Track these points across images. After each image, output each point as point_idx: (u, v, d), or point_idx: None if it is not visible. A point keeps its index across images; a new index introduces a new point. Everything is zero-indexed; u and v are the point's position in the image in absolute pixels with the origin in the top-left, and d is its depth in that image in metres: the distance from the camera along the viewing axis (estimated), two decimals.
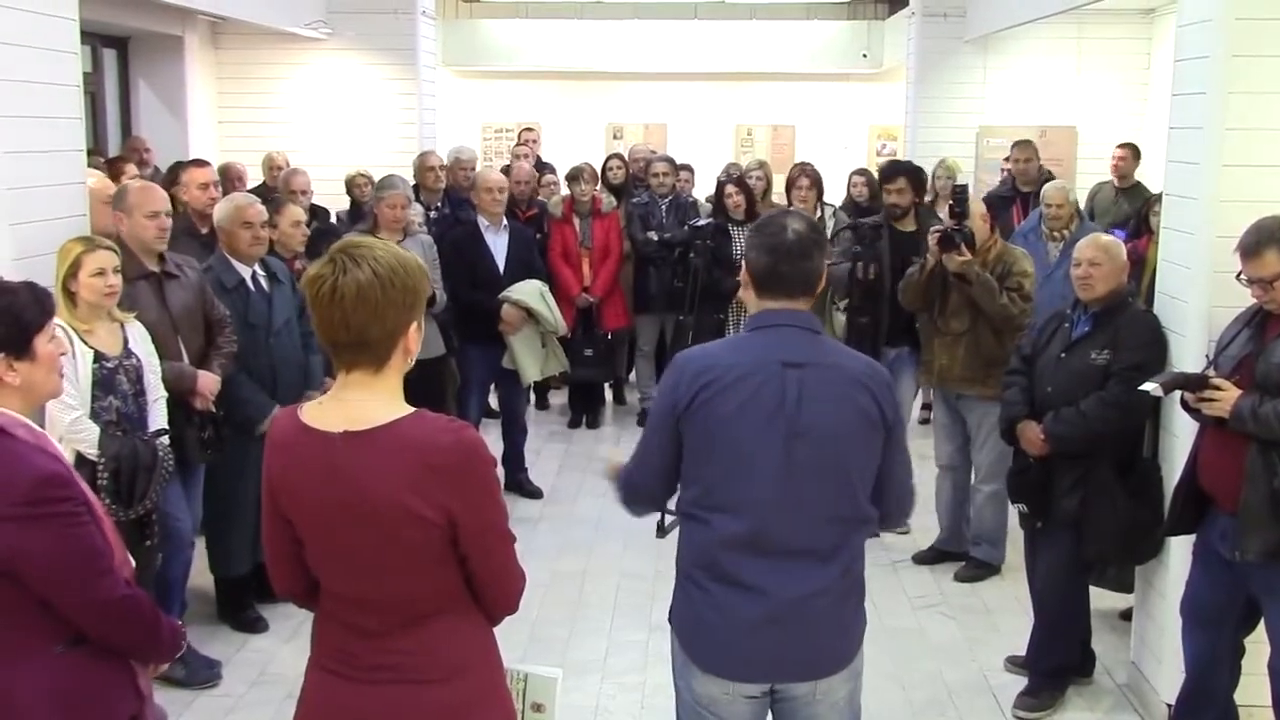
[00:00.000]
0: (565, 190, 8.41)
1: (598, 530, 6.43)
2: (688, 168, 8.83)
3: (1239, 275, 3.70)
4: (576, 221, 8.02)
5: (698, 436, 2.64)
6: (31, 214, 3.99)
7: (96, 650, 2.45)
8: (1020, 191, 8.20)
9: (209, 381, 4.61)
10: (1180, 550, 4.21)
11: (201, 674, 4.61)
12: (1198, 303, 4.17)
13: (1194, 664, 4.00)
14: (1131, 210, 8.36)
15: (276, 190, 7.56)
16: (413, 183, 7.40)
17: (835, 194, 8.76)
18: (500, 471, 6.84)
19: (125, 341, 4.21)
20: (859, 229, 6.39)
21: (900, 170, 6.55)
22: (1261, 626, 3.82)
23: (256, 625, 5.10)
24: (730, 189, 7.68)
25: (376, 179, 6.91)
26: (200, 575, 5.13)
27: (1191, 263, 4.22)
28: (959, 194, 5.62)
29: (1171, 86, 4.49)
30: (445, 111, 11.46)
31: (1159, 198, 5.16)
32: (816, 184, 7.51)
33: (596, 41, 13.64)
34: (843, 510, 2.67)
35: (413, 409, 2.25)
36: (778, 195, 8.59)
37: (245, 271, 5.04)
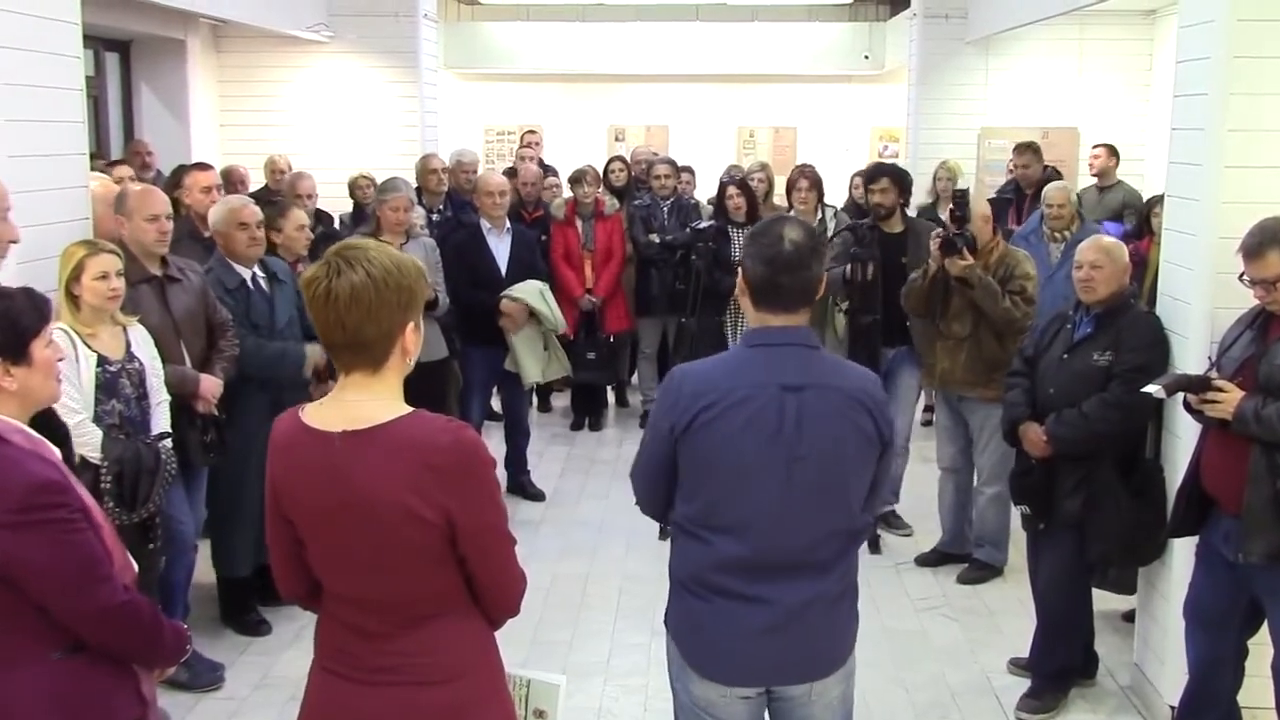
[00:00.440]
0: (567, 192, 8.43)
1: (600, 533, 6.43)
2: (689, 169, 8.84)
3: (1241, 276, 3.70)
4: (579, 224, 8.03)
5: (696, 458, 2.63)
6: (34, 217, 3.99)
7: (97, 656, 2.44)
8: (1024, 193, 8.19)
9: (211, 385, 4.61)
10: (1183, 552, 4.21)
11: (205, 677, 4.61)
12: (1200, 304, 4.17)
13: (1197, 666, 4.00)
14: (1114, 206, 8.37)
15: (278, 193, 7.57)
16: (415, 185, 7.40)
17: (838, 196, 8.77)
18: (502, 474, 6.93)
19: (128, 345, 4.22)
20: (856, 230, 6.39)
21: (883, 171, 6.60)
22: (1265, 628, 3.82)
23: (259, 628, 5.10)
24: (732, 190, 7.68)
25: (379, 181, 6.91)
26: (204, 578, 5.14)
27: (1193, 264, 4.22)
28: (959, 198, 5.62)
29: (1173, 88, 4.49)
30: (447, 114, 11.46)
31: (1160, 199, 5.15)
32: (816, 186, 7.51)
33: (598, 44, 13.64)
34: (840, 525, 2.68)
35: (411, 409, 2.26)
36: (779, 197, 8.60)
37: (245, 273, 5.05)
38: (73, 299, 4.04)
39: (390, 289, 2.18)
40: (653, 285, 8.12)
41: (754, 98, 14.21)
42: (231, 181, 7.79)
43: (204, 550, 5.04)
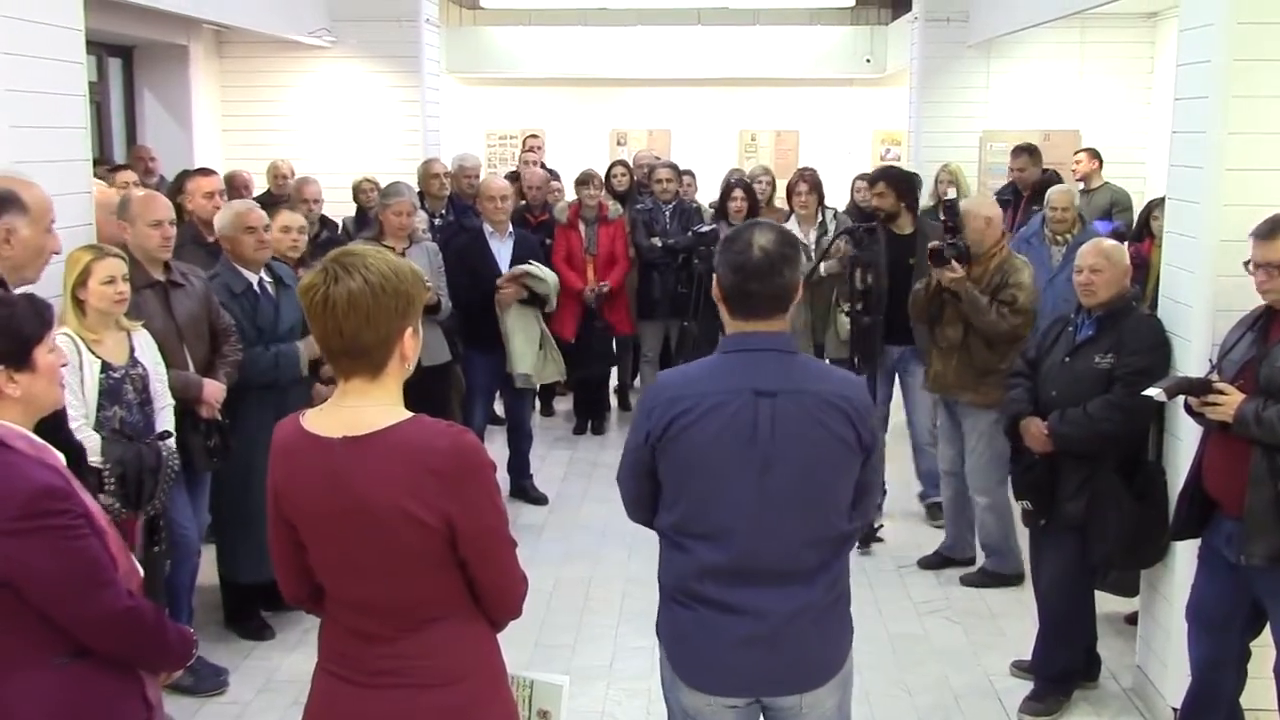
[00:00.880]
0: (570, 196, 8.44)
1: (603, 536, 6.44)
2: (690, 173, 8.85)
3: (1246, 263, 3.71)
4: (582, 227, 8.04)
5: (672, 465, 2.63)
6: None
7: (101, 661, 2.44)
8: (1022, 195, 8.17)
9: (215, 390, 4.63)
10: (1185, 554, 4.21)
11: (209, 681, 4.62)
12: (1201, 306, 4.17)
13: (1199, 668, 4.00)
14: (1102, 205, 8.38)
15: (281, 198, 7.58)
16: (417, 190, 7.41)
17: (840, 199, 8.78)
18: (505, 478, 6.93)
19: (131, 350, 4.23)
20: (854, 233, 6.43)
21: (881, 174, 6.67)
22: (1267, 630, 3.82)
23: (263, 633, 5.12)
24: (737, 193, 7.67)
25: (382, 186, 6.92)
26: (208, 583, 5.14)
27: (1194, 266, 4.23)
28: (949, 208, 5.65)
29: (1173, 91, 4.50)
30: (449, 118, 11.48)
31: (1161, 202, 5.16)
32: (816, 189, 7.53)
33: (600, 48, 13.65)
34: (820, 533, 2.64)
35: (411, 414, 2.27)
36: (780, 200, 8.60)
37: (252, 277, 5.06)
38: (78, 304, 4.05)
39: (388, 295, 2.19)
40: (655, 289, 8.13)
41: (755, 101, 14.22)
42: (235, 186, 7.80)
43: (208, 554, 5.06)
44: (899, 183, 6.55)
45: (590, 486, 7.31)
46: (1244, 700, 3.98)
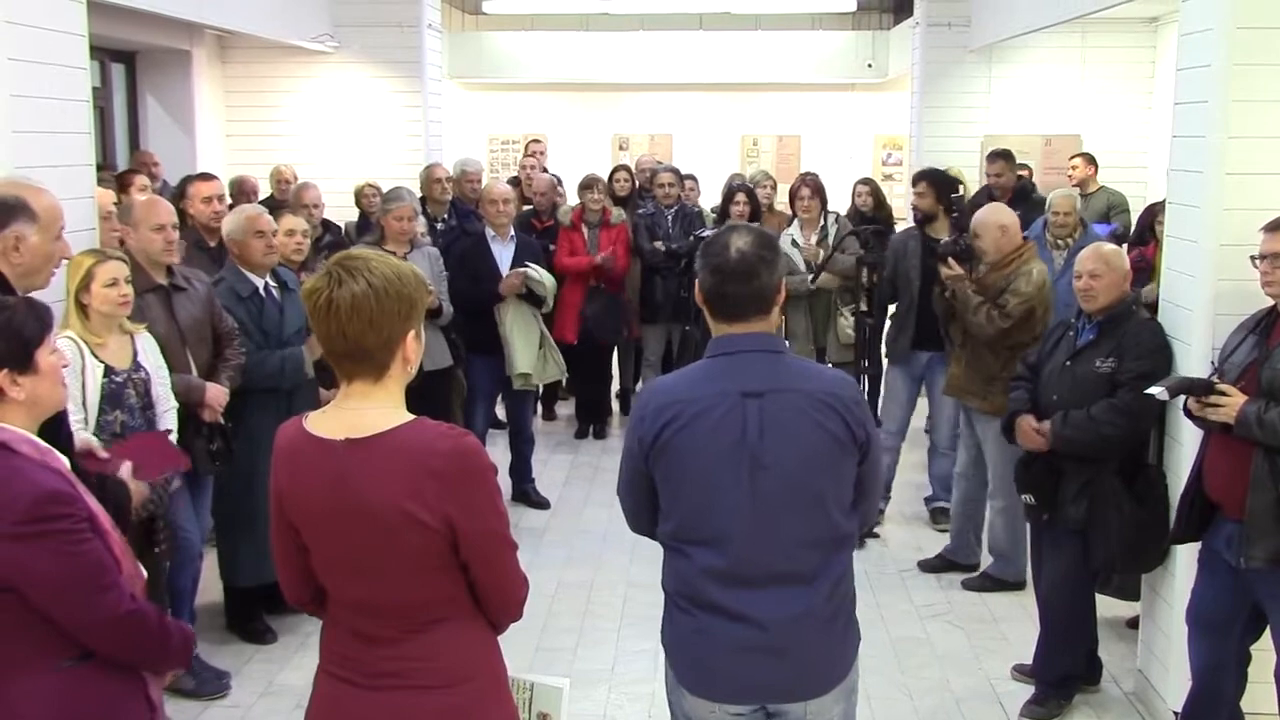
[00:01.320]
0: (572, 200, 8.46)
1: (605, 540, 6.44)
2: (693, 178, 8.85)
3: (1254, 258, 3.73)
4: (585, 231, 8.05)
5: (666, 473, 2.62)
6: None
7: (104, 664, 2.45)
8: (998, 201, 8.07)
9: (217, 393, 4.64)
10: (1186, 558, 4.22)
11: (211, 685, 4.63)
12: (1201, 310, 4.18)
13: (1200, 671, 4.00)
14: (1099, 209, 8.39)
15: (284, 203, 7.60)
16: (419, 194, 7.42)
17: (842, 203, 8.79)
18: (507, 482, 6.94)
19: (135, 354, 4.24)
20: (861, 235, 6.46)
21: (922, 175, 6.70)
22: (1268, 633, 3.83)
23: (265, 637, 5.12)
24: (739, 197, 7.67)
25: (384, 190, 6.94)
26: (210, 587, 5.15)
27: (1195, 270, 4.24)
28: (956, 204, 5.69)
29: (1174, 95, 4.51)
30: (451, 123, 11.49)
31: (1163, 204, 5.17)
32: (819, 193, 7.54)
33: (602, 53, 13.68)
34: (818, 534, 2.62)
35: (413, 416, 2.28)
36: (782, 205, 8.62)
37: (259, 281, 5.08)
38: (81, 308, 4.06)
39: (391, 298, 2.20)
40: (657, 293, 8.14)
41: (758, 106, 14.24)
42: (244, 191, 7.86)
43: (209, 558, 5.07)
44: (939, 184, 6.56)
45: (592, 491, 7.32)
46: (1245, 704, 3.98)
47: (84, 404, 4.02)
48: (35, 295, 3.01)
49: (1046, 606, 4.61)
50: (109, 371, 4.11)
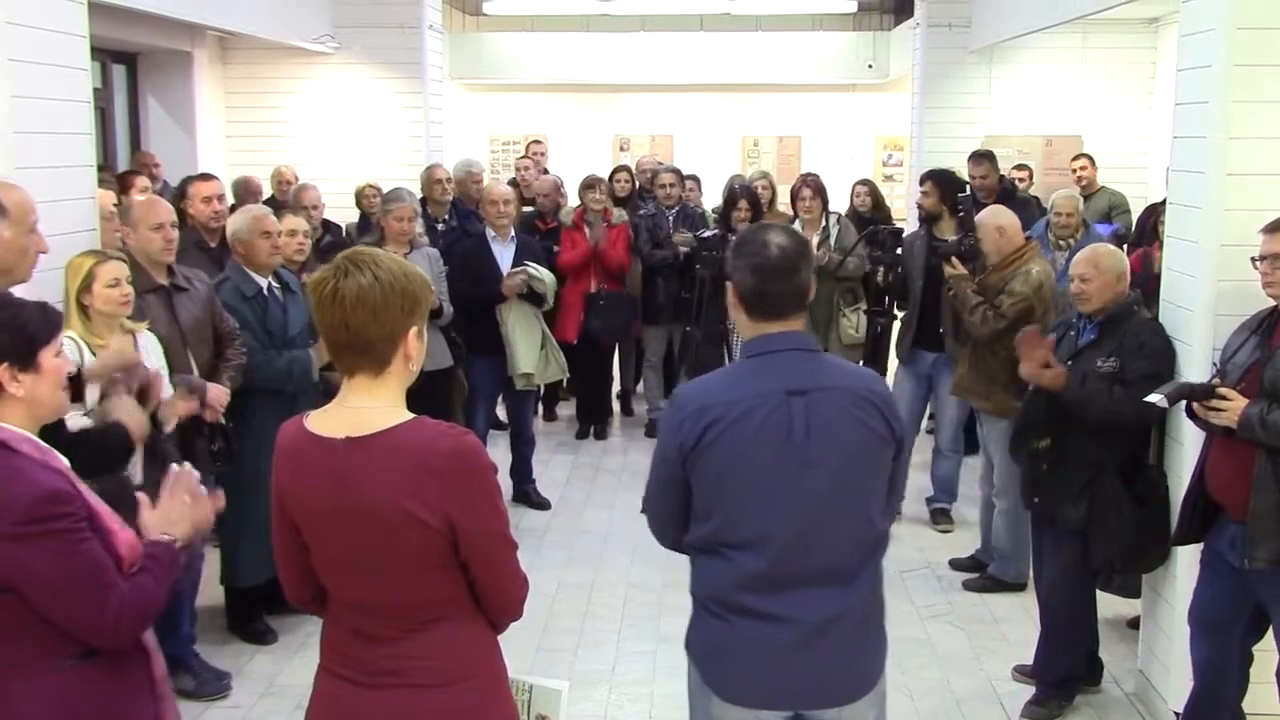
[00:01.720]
0: (574, 200, 8.47)
1: (605, 541, 6.44)
2: (694, 178, 8.85)
3: (1254, 259, 3.73)
4: (587, 231, 8.06)
5: (708, 475, 2.56)
6: (43, 229, 4.00)
7: (107, 661, 2.45)
8: (982, 204, 7.98)
9: (219, 394, 4.63)
10: (1187, 559, 4.22)
11: (211, 685, 4.63)
12: (1202, 311, 4.18)
13: (1201, 672, 4.00)
14: (1101, 209, 8.39)
15: (285, 204, 7.60)
16: (420, 195, 7.43)
17: (843, 204, 8.79)
18: (507, 482, 6.94)
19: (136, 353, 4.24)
20: (877, 235, 6.48)
21: (929, 175, 6.72)
22: (1270, 634, 3.82)
23: (265, 637, 5.12)
24: (742, 203, 7.64)
25: (385, 191, 6.94)
26: (210, 588, 5.15)
27: (1196, 271, 4.24)
28: (961, 203, 5.71)
29: (1174, 96, 4.51)
30: (452, 124, 11.50)
31: (1164, 204, 5.17)
32: (820, 194, 7.55)
33: (603, 53, 13.68)
34: (860, 534, 2.61)
35: (413, 415, 2.29)
36: (783, 205, 8.61)
37: (262, 281, 5.09)
38: (82, 309, 4.06)
39: (395, 293, 2.23)
40: (659, 294, 8.14)
41: (758, 107, 14.25)
42: (250, 191, 7.86)
43: (210, 559, 5.07)
44: (944, 184, 6.57)
45: (593, 491, 7.32)
46: (1246, 704, 3.97)
47: (86, 402, 4.01)
48: (35, 296, 3.00)
49: (1047, 607, 4.61)
50: None
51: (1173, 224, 4.51)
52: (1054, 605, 4.57)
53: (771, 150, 14.23)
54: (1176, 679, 4.30)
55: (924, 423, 7.18)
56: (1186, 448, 4.20)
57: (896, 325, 6.79)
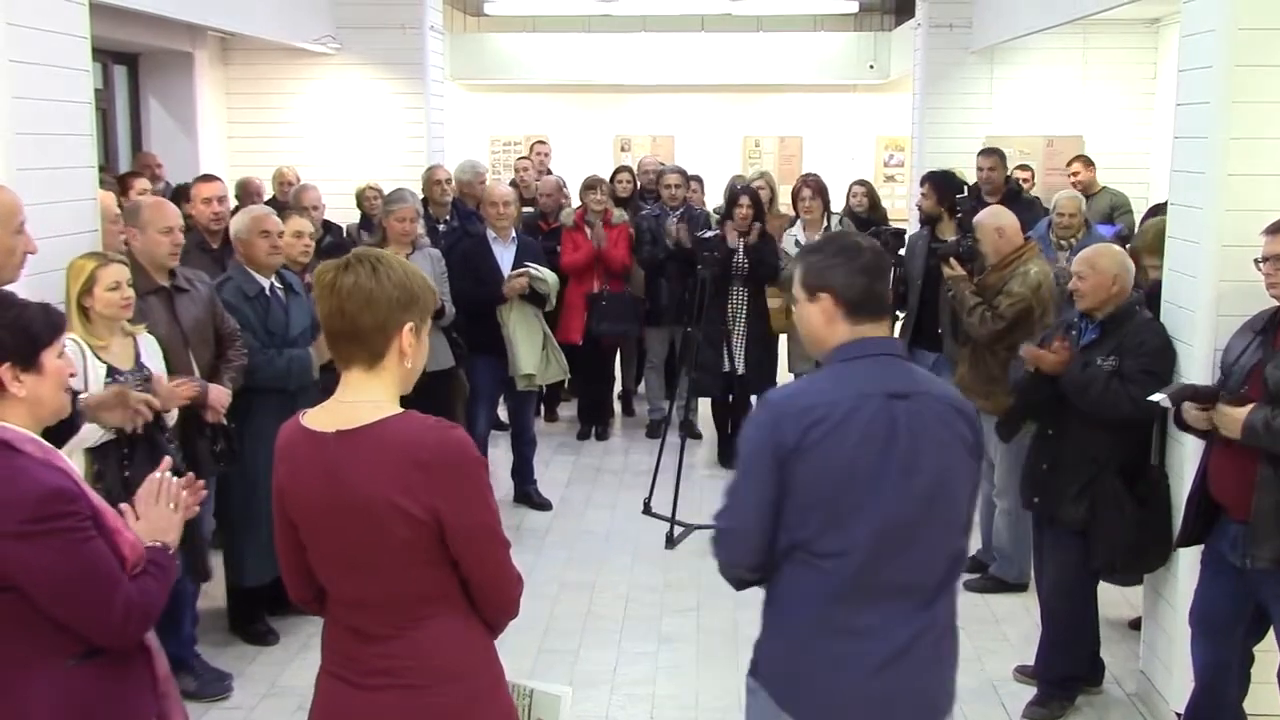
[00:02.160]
0: (575, 201, 8.47)
1: (607, 542, 6.45)
2: (698, 179, 8.84)
3: (1257, 261, 3.73)
4: (588, 231, 8.06)
5: (809, 478, 2.44)
6: (44, 230, 4.00)
7: (112, 659, 2.46)
8: (985, 203, 7.67)
9: (220, 394, 4.63)
10: (1188, 560, 4.22)
11: (212, 686, 4.63)
12: (1204, 311, 4.18)
13: (1203, 672, 4.00)
14: (1103, 209, 8.39)
15: (286, 204, 7.60)
16: (420, 196, 7.43)
17: (840, 205, 8.80)
18: (509, 483, 6.95)
19: (137, 355, 4.24)
20: (880, 236, 6.50)
21: (928, 176, 6.75)
22: (1271, 635, 3.82)
23: (267, 638, 5.12)
24: (744, 200, 7.64)
25: (386, 192, 6.94)
26: (212, 589, 5.15)
27: (1197, 271, 4.24)
28: (960, 204, 5.72)
29: (1176, 96, 4.51)
30: (453, 125, 11.50)
31: (1164, 206, 5.16)
32: (821, 194, 7.55)
33: (603, 54, 13.69)
34: (950, 546, 2.54)
35: (403, 410, 2.32)
36: (784, 205, 8.62)
37: (264, 282, 5.10)
38: (83, 311, 4.06)
39: (392, 285, 2.28)
40: (661, 295, 8.14)
41: (759, 107, 14.26)
42: (250, 192, 7.87)
43: (213, 560, 5.07)
44: (942, 186, 6.59)
45: (594, 492, 7.32)
46: (1247, 705, 3.98)
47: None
48: (34, 297, 3.00)
49: (1048, 607, 4.61)
50: (111, 372, 4.11)
51: (1174, 224, 4.51)
52: (1055, 605, 4.57)
53: (773, 151, 14.24)
54: (1178, 679, 4.30)
55: None
56: (1188, 448, 4.20)
57: (897, 326, 6.80)
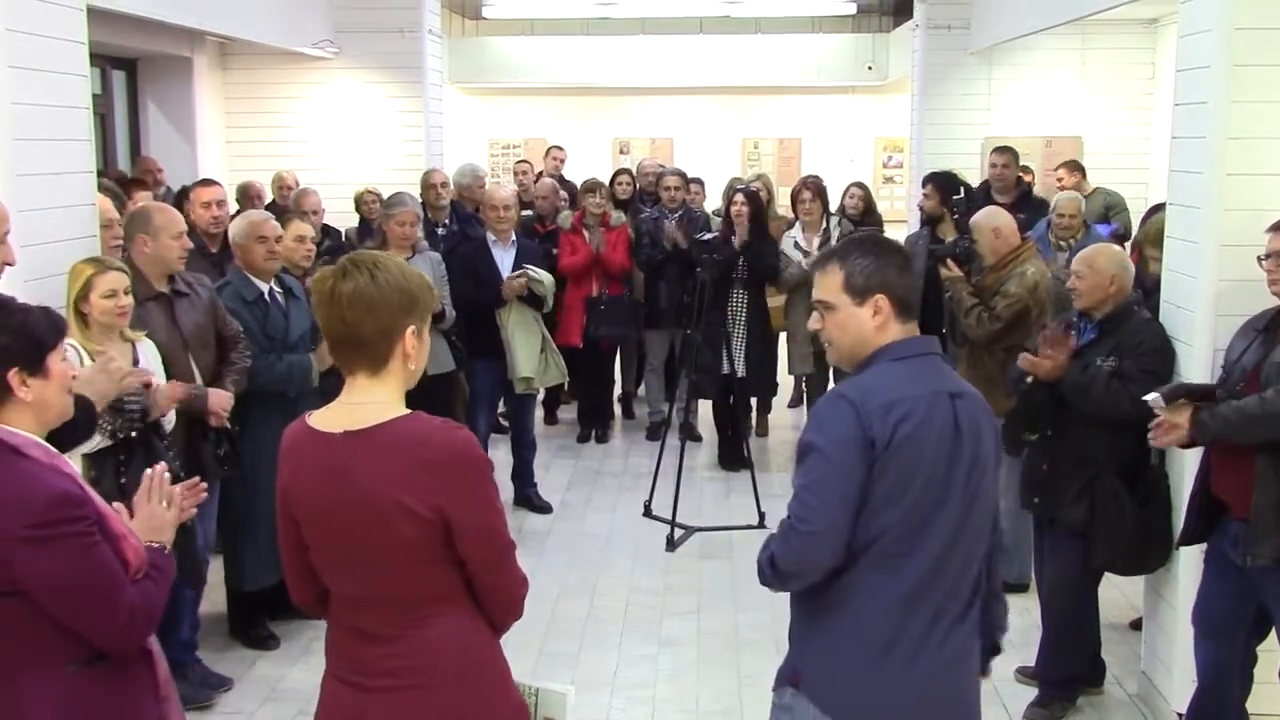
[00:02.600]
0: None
1: (607, 545, 6.44)
2: (699, 181, 8.83)
3: (1259, 258, 3.73)
4: (586, 234, 8.07)
5: (897, 476, 2.40)
6: (42, 235, 4.02)
7: (114, 664, 2.46)
8: (993, 201, 7.60)
9: (221, 399, 4.62)
10: (1189, 560, 4.21)
11: (201, 692, 4.57)
12: (1203, 311, 4.18)
13: (1205, 673, 4.00)
14: (1097, 210, 8.38)
15: (286, 208, 7.60)
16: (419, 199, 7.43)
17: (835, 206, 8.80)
18: (509, 486, 6.94)
19: (135, 361, 4.23)
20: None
21: (930, 177, 6.75)
22: (1273, 635, 3.82)
23: (268, 643, 5.12)
24: (739, 198, 7.64)
25: (384, 196, 6.94)
26: (213, 593, 5.15)
27: (1196, 271, 4.24)
28: (956, 205, 5.72)
29: (1174, 96, 4.51)
30: (452, 128, 11.50)
31: (1163, 206, 5.16)
32: (820, 195, 7.54)
33: (602, 57, 13.70)
34: (983, 549, 2.54)
35: (410, 410, 2.33)
36: (783, 207, 8.62)
37: (263, 286, 5.09)
38: (81, 316, 4.06)
39: (392, 288, 2.29)
40: (661, 298, 8.14)
41: (758, 109, 14.27)
42: (249, 196, 7.87)
43: (214, 564, 5.06)
44: (943, 187, 6.60)
45: (594, 495, 7.32)
46: (1250, 705, 3.97)
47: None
48: (32, 300, 3.00)
49: (1049, 608, 4.61)
50: None
51: (1172, 224, 4.51)
52: (1056, 606, 4.56)
53: (772, 152, 14.25)
54: (1179, 680, 4.29)
55: None
56: (1189, 449, 4.19)
57: None
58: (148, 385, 4.10)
